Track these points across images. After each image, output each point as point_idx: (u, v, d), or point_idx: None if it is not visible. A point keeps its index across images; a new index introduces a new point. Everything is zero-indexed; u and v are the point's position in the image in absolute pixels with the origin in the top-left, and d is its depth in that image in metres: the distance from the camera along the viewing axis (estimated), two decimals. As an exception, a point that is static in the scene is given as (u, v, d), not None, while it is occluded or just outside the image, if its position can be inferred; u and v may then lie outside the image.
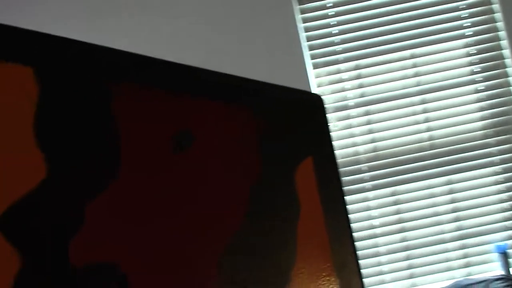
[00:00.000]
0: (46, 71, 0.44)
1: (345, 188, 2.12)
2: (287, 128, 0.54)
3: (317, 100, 0.55)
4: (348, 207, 2.13)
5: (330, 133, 0.56)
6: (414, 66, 2.12)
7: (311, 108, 0.54)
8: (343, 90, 2.13)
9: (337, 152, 2.13)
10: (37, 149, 0.44)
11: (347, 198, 2.11)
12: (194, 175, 0.50)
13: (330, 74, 2.13)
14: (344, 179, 2.10)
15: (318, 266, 0.54)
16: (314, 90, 2.13)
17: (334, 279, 0.54)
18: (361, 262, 2.10)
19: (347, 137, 2.10)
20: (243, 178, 0.51)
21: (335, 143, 2.12)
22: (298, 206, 0.53)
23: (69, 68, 0.45)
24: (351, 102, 2.12)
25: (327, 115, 0.56)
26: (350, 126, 2.12)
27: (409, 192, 2.07)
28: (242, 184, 0.51)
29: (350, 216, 2.11)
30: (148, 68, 0.48)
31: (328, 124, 0.55)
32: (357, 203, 2.08)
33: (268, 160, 0.52)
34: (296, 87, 2.09)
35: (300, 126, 0.54)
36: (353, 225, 2.11)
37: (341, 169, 2.12)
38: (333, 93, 2.13)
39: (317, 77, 2.13)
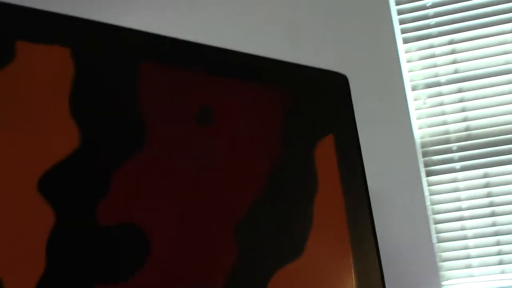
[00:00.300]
0: (81, 51, 0.50)
1: (433, 168, 2.05)
2: (310, 106, 0.55)
3: (341, 80, 0.56)
4: (435, 187, 2.05)
5: (354, 113, 0.57)
6: (516, 40, 1.98)
7: (336, 88, 0.56)
8: (434, 66, 2.04)
9: (425, 131, 2.06)
10: (72, 121, 0.50)
11: (434, 178, 2.04)
12: (215, 149, 0.54)
13: (422, 49, 2.06)
14: (432, 158, 2.03)
15: (333, 241, 0.56)
16: (403, 66, 2.07)
17: (349, 254, 0.56)
18: (447, 244, 2.03)
19: (437, 115, 2.03)
20: (263, 153, 0.54)
21: (423, 121, 2.05)
22: (316, 182, 0.55)
23: (101, 49, 0.51)
24: (443, 79, 2.03)
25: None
26: (441, 104, 2.03)
27: (503, 175, 1.96)
28: (262, 159, 0.54)
29: (437, 197, 2.04)
30: (174, 48, 0.52)
31: (352, 103, 0.56)
32: (445, 183, 2.01)
33: (289, 135, 0.55)
34: (385, 62, 2.04)
35: (323, 105, 0.56)
36: (439, 207, 2.04)
37: (430, 148, 2.05)
38: (424, 69, 2.05)
39: (407, 52, 2.07)
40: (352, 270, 0.56)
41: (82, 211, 0.50)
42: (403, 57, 2.06)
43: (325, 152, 0.56)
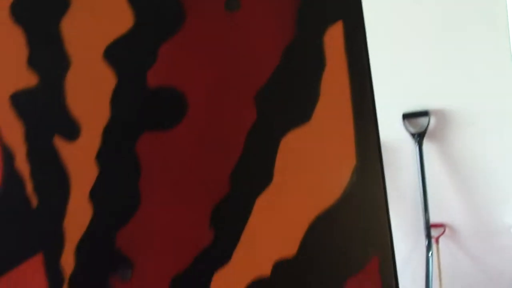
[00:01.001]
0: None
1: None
2: (323, -4, 0.65)
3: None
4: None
5: (362, 5, 0.65)
6: None
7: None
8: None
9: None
10: (128, 6, 0.65)
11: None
12: (240, 31, 0.66)
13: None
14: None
15: (337, 112, 0.66)
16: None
17: (351, 123, 0.66)
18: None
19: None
20: (279, 36, 0.66)
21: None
22: (324, 61, 0.66)
23: None
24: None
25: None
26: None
27: None
28: (278, 40, 0.66)
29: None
30: None
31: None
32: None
33: (302, 21, 0.65)
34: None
35: (335, -5, 0.65)
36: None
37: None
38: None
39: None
40: (353, 136, 0.67)
41: (136, 74, 0.66)
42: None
43: (334, 36, 0.66)
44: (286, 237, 0.67)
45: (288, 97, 0.67)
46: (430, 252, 2.36)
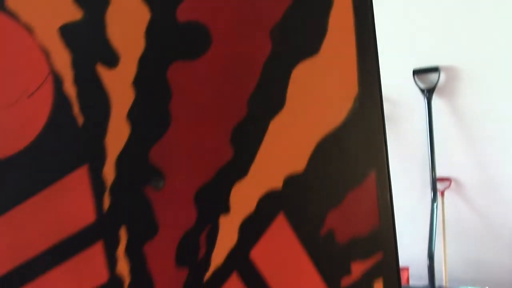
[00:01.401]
0: None
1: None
2: None
3: None
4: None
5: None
6: None
7: None
8: None
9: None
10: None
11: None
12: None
13: None
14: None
15: (343, 46, 0.76)
16: None
17: (354, 57, 0.76)
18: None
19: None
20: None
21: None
22: (332, 1, 0.75)
23: None
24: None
25: None
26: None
27: None
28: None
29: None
30: None
31: None
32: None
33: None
34: None
35: None
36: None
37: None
38: None
39: None
40: (356, 68, 0.76)
41: (167, 10, 0.75)
42: None
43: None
44: (296, 155, 0.78)
45: (299, 32, 0.76)
46: (435, 204, 2.47)
